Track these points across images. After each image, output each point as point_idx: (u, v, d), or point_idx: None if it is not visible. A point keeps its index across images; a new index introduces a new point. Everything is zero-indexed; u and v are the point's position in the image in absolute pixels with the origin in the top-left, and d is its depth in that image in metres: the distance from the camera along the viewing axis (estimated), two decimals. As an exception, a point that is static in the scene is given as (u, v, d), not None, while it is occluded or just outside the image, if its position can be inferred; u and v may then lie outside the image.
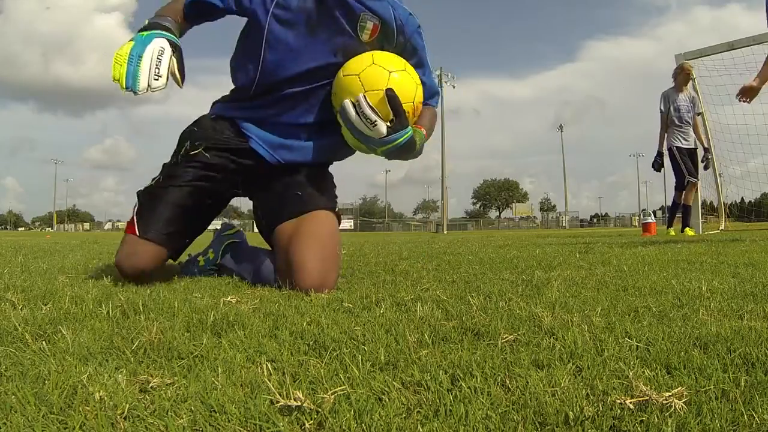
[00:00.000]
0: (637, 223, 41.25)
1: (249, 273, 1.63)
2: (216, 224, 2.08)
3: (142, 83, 1.24)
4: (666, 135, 5.69)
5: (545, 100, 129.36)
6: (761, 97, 6.50)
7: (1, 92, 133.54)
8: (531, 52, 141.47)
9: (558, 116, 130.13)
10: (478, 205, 74.36)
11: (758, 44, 6.17)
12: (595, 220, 65.32)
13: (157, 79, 1.26)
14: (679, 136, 5.60)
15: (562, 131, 56.57)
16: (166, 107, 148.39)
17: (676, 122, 5.60)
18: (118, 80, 1.23)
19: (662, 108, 5.64)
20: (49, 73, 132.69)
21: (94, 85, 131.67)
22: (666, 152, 5.69)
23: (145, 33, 1.30)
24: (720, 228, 7.22)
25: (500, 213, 72.17)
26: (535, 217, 65.09)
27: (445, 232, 18.60)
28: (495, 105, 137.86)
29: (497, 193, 72.27)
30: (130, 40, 1.28)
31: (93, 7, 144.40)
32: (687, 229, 5.87)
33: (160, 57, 1.27)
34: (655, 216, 8.25)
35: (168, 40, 1.31)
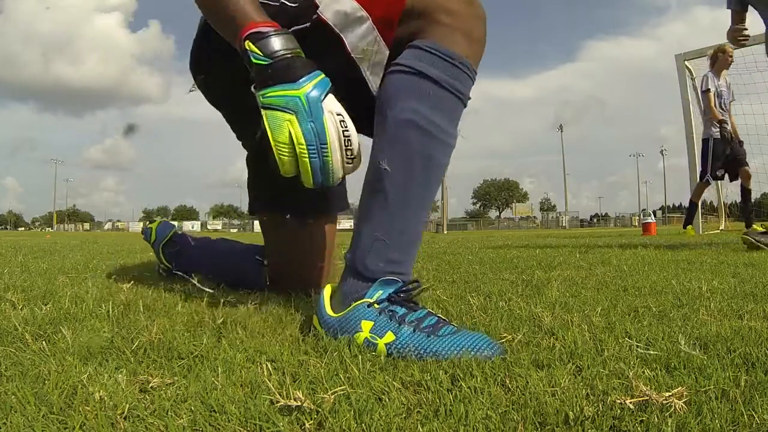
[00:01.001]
0: (637, 223, 41.26)
1: (218, 273, 1.47)
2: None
3: (338, 174, 0.87)
4: (704, 123, 5.24)
5: (545, 100, 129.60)
6: (761, 97, 6.48)
7: (1, 92, 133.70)
8: (531, 52, 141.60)
9: (558, 116, 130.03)
10: (478, 205, 74.48)
11: (758, 44, 6.17)
12: (595, 220, 65.34)
13: (350, 162, 0.88)
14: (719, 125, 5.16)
15: (562, 131, 56.63)
16: (166, 107, 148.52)
17: (718, 109, 5.14)
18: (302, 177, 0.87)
19: (710, 87, 5.14)
20: (49, 73, 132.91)
21: (94, 85, 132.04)
22: (702, 142, 5.28)
23: (299, 92, 0.82)
24: (720, 228, 7.22)
25: (500, 213, 72.25)
26: (535, 217, 65.13)
27: (445, 232, 18.60)
28: (495, 105, 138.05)
29: (497, 193, 72.34)
30: (282, 112, 0.82)
31: (93, 7, 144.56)
32: (688, 227, 5.79)
33: (346, 131, 0.85)
34: (654, 216, 8.24)
35: (330, 92, 0.86)
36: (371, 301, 0.82)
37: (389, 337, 0.76)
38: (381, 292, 0.83)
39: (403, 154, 0.87)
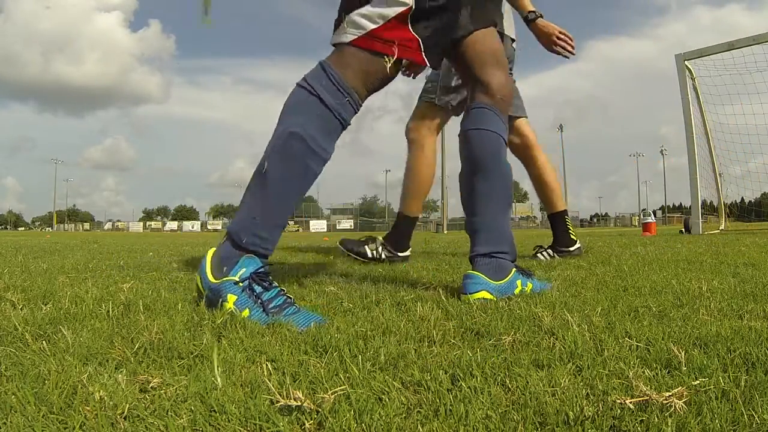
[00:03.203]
0: (637, 223, 41.28)
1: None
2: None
3: None
4: None
5: (545, 100, 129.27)
6: (761, 96, 6.49)
7: (1, 92, 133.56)
8: (531, 52, 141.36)
9: (558, 116, 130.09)
10: (478, 205, 74.18)
11: (758, 44, 6.18)
12: (595, 220, 65.33)
13: None
14: None
15: (562, 131, 56.51)
16: (166, 107, 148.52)
17: None
18: None
19: None
20: (49, 73, 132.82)
21: (95, 84, 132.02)
22: None
23: None
24: (720, 228, 7.23)
25: (500, 213, 72.00)
26: (535, 217, 65.06)
27: (445, 232, 18.60)
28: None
29: (497, 193, 72.07)
30: None
31: (93, 6, 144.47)
32: None
33: None
34: (654, 216, 8.23)
35: None
36: (236, 279, 1.03)
37: (246, 312, 0.99)
38: (244, 269, 1.04)
39: (286, 158, 1.11)
